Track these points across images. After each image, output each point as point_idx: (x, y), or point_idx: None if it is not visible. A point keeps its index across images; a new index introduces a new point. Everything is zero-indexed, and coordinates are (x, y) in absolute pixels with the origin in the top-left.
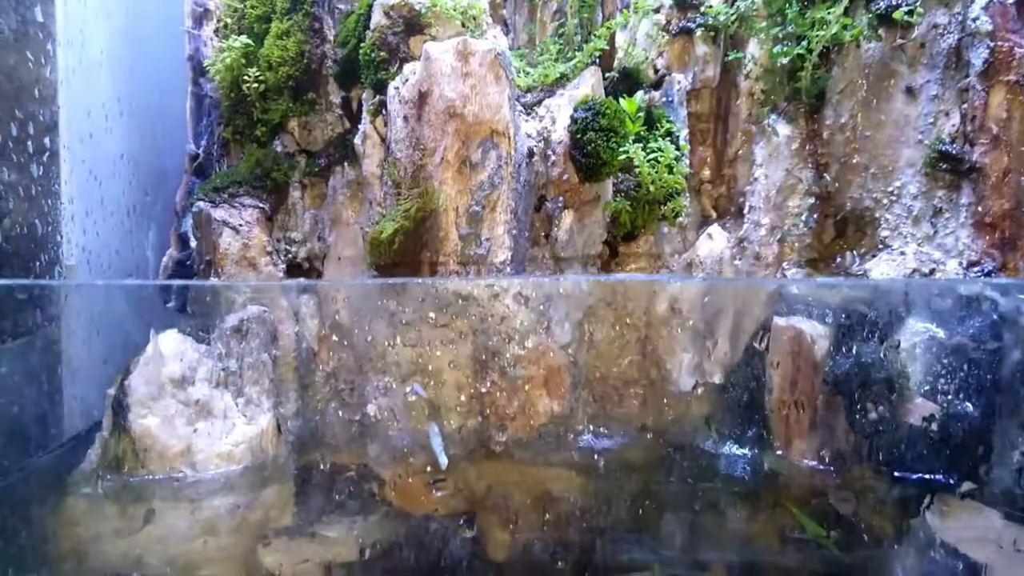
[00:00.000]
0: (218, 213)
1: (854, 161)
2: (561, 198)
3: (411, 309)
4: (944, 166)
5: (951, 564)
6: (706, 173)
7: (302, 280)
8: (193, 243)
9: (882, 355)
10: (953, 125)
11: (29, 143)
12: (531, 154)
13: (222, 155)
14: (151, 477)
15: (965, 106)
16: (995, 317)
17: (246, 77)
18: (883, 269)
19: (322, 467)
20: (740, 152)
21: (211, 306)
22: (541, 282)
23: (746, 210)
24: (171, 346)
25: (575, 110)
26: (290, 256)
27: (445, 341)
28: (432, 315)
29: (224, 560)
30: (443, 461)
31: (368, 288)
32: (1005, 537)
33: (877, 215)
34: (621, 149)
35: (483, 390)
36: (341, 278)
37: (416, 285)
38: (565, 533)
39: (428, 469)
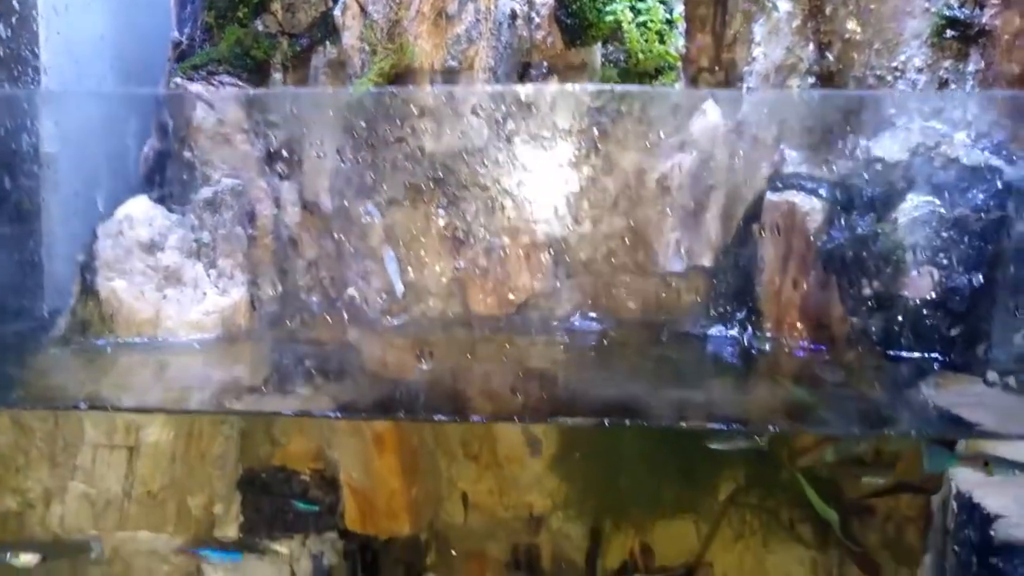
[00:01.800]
0: (193, 87)
1: (857, 37)
2: (545, 63)
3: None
4: (951, 33)
5: (941, 417)
6: (704, 61)
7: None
8: (169, 121)
9: (878, 228)
10: None
11: None
12: (514, 16)
13: (205, 41)
14: (118, 341)
15: None
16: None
17: None
18: (887, 145)
19: (298, 341)
20: (739, 33)
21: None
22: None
23: (744, 91)
24: (141, 211)
25: None
26: (270, 140)
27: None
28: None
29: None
30: (399, 288)
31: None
32: (1002, 403)
33: (882, 93)
34: (608, 9)
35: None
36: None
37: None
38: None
39: (384, 296)
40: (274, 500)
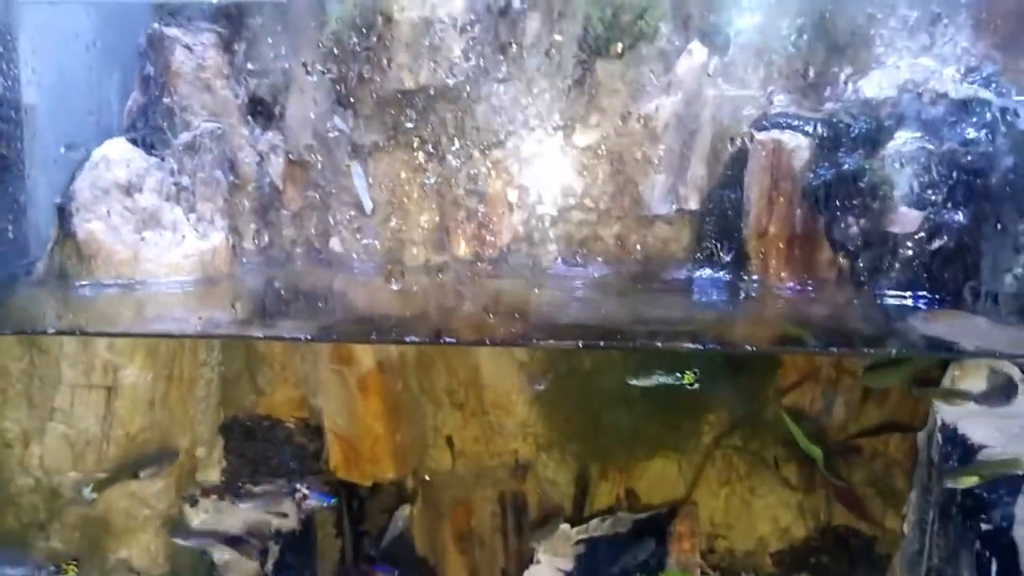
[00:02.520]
0: (171, 31)
1: None
2: None
3: None
4: None
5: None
6: None
7: None
8: (150, 69)
9: (865, 164)
10: None
11: None
12: None
13: None
14: (97, 283)
15: None
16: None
17: None
18: (876, 81)
19: (279, 286)
20: None
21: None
22: None
23: (732, 34)
24: (118, 152)
25: None
26: (251, 88)
27: None
28: None
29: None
30: (368, 205)
31: None
32: (990, 333)
33: (871, 32)
34: None
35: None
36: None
37: None
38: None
39: (352, 214)
40: (257, 446)
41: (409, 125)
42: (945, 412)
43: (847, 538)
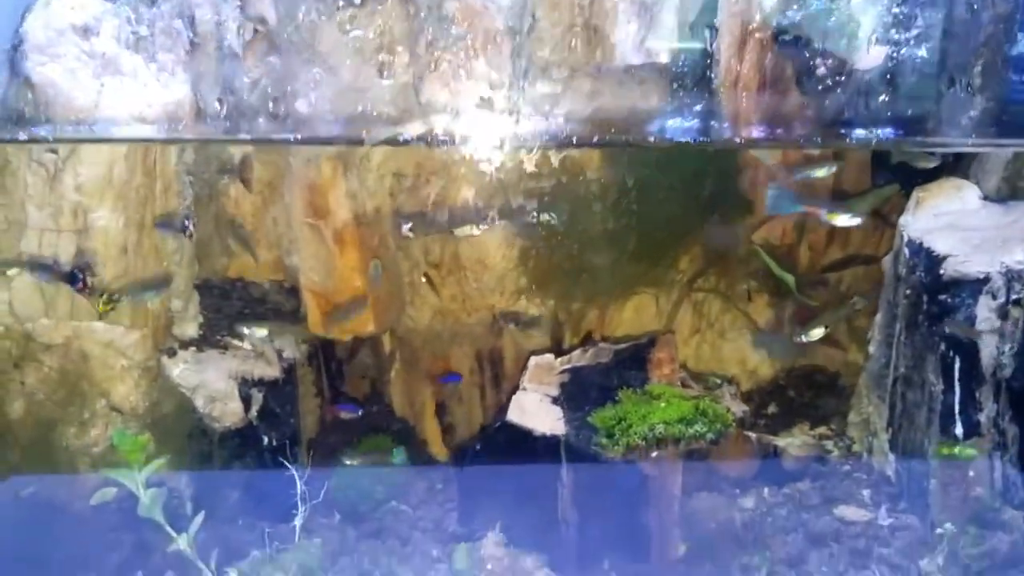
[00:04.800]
0: None
1: None
2: None
3: None
4: None
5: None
6: None
7: None
8: None
9: (831, 4)
10: None
11: None
12: None
13: None
14: (56, 128)
15: None
16: None
17: None
18: None
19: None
20: None
21: None
22: None
23: None
24: None
25: None
26: None
27: None
28: None
29: None
30: None
31: None
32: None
33: None
34: None
35: None
36: None
37: None
38: None
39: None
40: (233, 304)
41: None
42: (911, 229)
43: (812, 375)
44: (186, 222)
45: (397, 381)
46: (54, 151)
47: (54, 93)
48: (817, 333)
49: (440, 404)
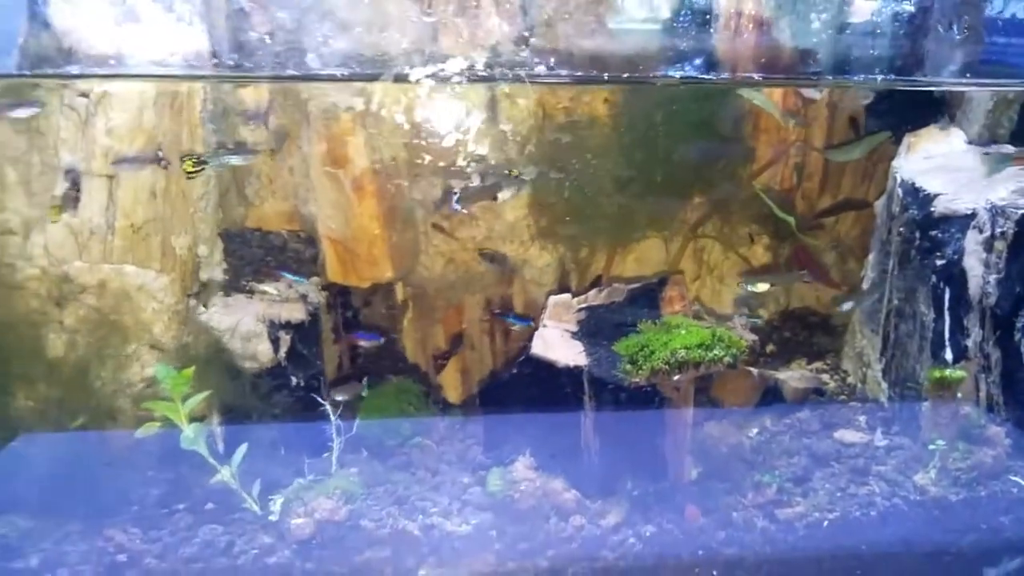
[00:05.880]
0: None
1: None
2: None
3: None
4: None
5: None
6: None
7: None
8: None
9: None
10: None
11: None
12: None
13: None
14: (79, 73)
15: None
16: None
17: None
18: None
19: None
20: None
21: None
22: None
23: None
24: None
25: None
26: None
27: None
28: None
29: None
30: None
31: None
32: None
33: None
34: None
35: None
36: None
37: None
38: None
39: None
40: (255, 252)
41: None
42: (904, 170)
43: (806, 316)
44: (159, 153)
45: (410, 328)
46: (85, 95)
47: (77, 38)
48: (763, 287)
49: (450, 352)
